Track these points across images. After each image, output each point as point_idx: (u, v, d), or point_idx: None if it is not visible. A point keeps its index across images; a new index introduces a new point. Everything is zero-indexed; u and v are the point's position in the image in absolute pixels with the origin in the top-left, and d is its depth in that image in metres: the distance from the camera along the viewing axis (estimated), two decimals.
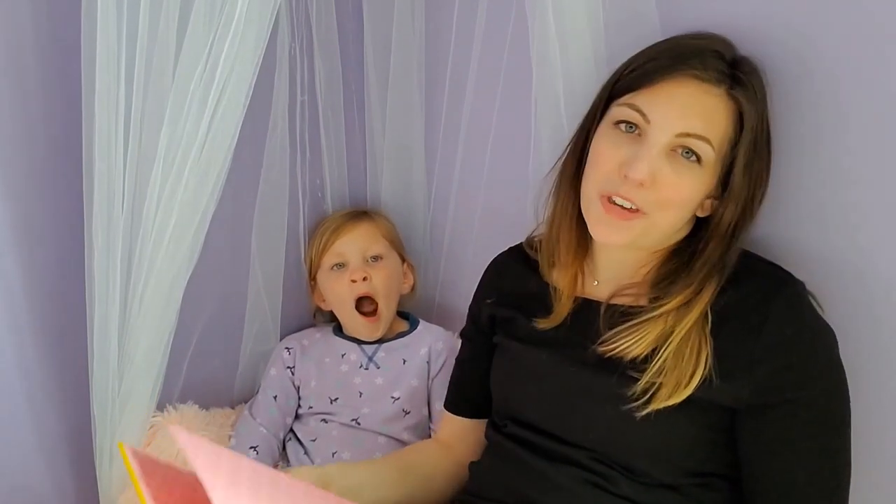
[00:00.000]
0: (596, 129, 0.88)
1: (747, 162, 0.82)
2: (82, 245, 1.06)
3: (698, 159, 0.81)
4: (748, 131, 0.82)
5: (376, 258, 1.33)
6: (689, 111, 0.80)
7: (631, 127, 0.83)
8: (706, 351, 0.79)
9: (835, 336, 0.80)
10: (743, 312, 0.80)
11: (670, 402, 0.79)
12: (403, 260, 1.39)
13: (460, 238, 1.38)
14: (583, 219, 0.89)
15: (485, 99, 1.25)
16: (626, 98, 0.84)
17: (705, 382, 0.78)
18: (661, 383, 0.79)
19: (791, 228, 0.90)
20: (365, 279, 1.29)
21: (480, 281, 1.08)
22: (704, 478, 0.83)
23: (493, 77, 1.23)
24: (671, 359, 0.79)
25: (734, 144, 0.82)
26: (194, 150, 0.99)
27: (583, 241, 0.93)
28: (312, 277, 1.38)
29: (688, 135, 0.80)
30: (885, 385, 0.85)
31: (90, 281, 1.06)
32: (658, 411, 0.80)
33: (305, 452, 1.25)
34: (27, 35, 1.07)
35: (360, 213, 1.38)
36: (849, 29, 0.82)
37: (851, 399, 0.81)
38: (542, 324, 0.92)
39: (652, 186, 0.80)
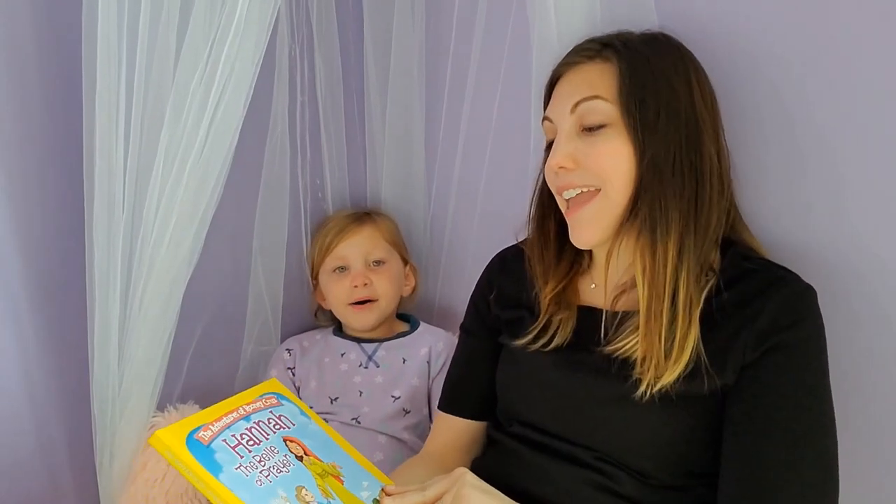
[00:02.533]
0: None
1: (639, 106, 0.82)
2: (83, 245, 1.06)
3: (602, 125, 0.84)
4: (628, 75, 0.83)
5: (378, 262, 1.33)
6: (572, 90, 0.87)
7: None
8: (695, 328, 0.79)
9: (824, 331, 0.80)
10: (744, 307, 0.80)
11: (666, 379, 0.78)
12: (406, 262, 1.39)
13: (460, 238, 1.38)
14: (558, 238, 0.95)
15: (485, 98, 1.25)
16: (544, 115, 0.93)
17: (703, 374, 0.78)
18: (652, 357, 0.80)
19: (796, 229, 0.90)
20: (366, 285, 1.30)
21: (484, 274, 1.07)
22: (710, 478, 0.82)
23: (493, 76, 1.23)
24: (658, 330, 0.80)
25: (622, 91, 0.83)
26: (194, 151, 0.99)
27: (563, 258, 0.95)
28: (314, 276, 1.38)
29: (577, 104, 0.85)
30: (886, 384, 0.85)
31: (91, 281, 1.06)
32: (663, 412, 0.80)
33: None
34: (27, 36, 1.07)
35: (363, 216, 1.37)
36: (850, 25, 0.82)
37: (851, 397, 0.82)
38: (533, 347, 0.92)
39: (578, 166, 0.85)
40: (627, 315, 0.86)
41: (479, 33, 1.24)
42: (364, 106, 1.42)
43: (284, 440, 0.85)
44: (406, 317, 1.40)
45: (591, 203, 0.85)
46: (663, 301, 0.80)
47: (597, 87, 0.84)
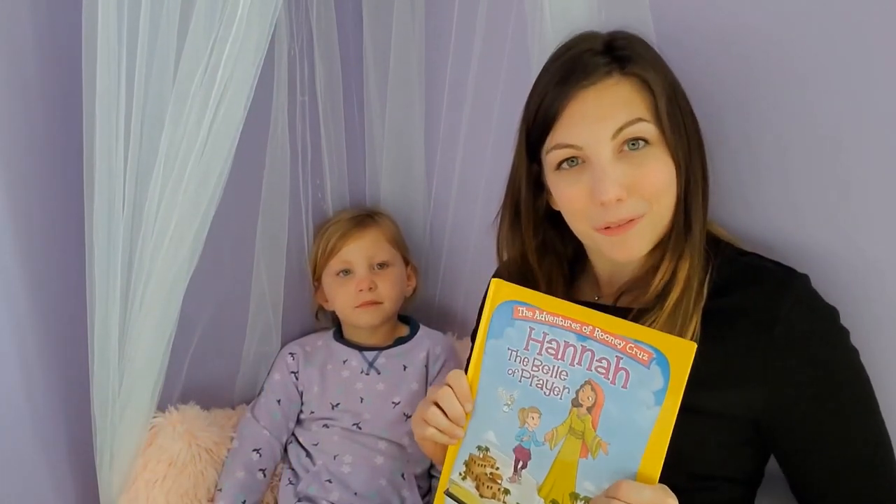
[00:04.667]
0: (528, 189, 0.91)
1: (672, 121, 0.82)
2: (83, 245, 1.06)
3: (645, 141, 0.81)
4: (659, 92, 0.82)
5: (382, 265, 1.33)
6: (605, 112, 0.81)
7: (572, 161, 0.84)
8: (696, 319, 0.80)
9: (839, 317, 0.80)
10: (751, 312, 0.79)
11: None
12: (407, 262, 1.39)
13: (460, 238, 1.38)
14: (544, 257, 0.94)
15: (485, 99, 1.25)
16: (547, 144, 0.85)
17: (712, 386, 0.78)
18: None
19: (786, 226, 0.90)
20: (371, 289, 1.30)
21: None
22: (712, 481, 0.83)
23: (493, 77, 1.23)
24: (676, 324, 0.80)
25: (658, 109, 0.82)
26: (195, 152, 0.99)
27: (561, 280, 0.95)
28: (316, 278, 1.38)
29: (620, 129, 0.80)
30: (883, 383, 0.84)
31: (91, 281, 1.06)
32: None
33: (308, 455, 1.25)
34: (28, 37, 1.07)
35: (366, 218, 1.36)
36: (844, 28, 0.82)
37: None
38: None
39: (631, 194, 0.81)
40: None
41: (479, 33, 1.23)
42: (364, 106, 1.42)
43: (588, 382, 0.74)
44: (406, 318, 1.40)
45: (639, 223, 0.82)
46: (692, 299, 0.81)
47: (636, 107, 0.81)
